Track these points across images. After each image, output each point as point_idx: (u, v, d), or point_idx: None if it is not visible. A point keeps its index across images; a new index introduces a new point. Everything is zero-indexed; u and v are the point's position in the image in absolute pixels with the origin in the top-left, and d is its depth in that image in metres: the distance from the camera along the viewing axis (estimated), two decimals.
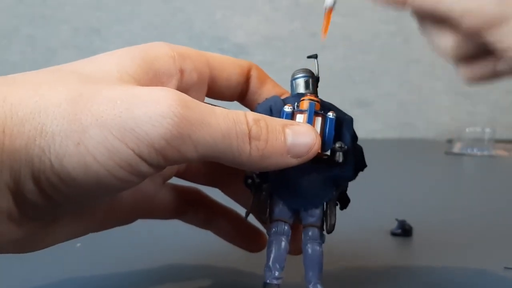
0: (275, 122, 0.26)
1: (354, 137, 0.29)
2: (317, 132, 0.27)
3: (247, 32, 1.18)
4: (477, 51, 0.32)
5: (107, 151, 0.22)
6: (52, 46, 1.17)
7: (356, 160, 0.29)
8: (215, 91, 0.31)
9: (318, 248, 0.28)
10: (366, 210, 0.49)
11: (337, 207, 0.30)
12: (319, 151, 0.27)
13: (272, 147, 0.25)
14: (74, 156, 0.22)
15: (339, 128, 0.28)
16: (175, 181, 0.34)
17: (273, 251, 0.28)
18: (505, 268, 0.36)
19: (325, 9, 0.30)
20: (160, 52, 0.28)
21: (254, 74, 0.32)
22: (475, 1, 0.27)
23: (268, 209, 0.29)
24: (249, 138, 0.25)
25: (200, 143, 0.23)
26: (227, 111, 0.25)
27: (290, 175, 0.28)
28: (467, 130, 0.99)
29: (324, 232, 0.29)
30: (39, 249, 0.28)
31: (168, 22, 1.21)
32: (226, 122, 0.24)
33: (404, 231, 0.42)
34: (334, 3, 0.30)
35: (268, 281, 0.28)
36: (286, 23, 1.22)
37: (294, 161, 0.26)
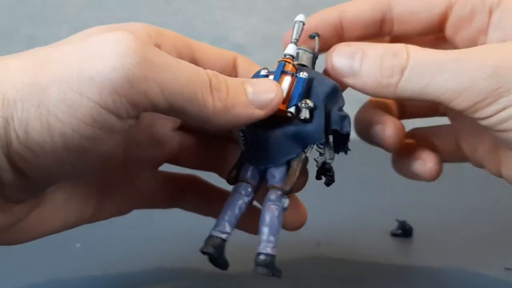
0: (234, 79, 0.26)
1: (334, 101, 0.28)
2: (278, 84, 0.27)
3: (247, 32, 1.18)
4: None
5: (68, 108, 0.21)
6: None
7: (330, 121, 0.28)
8: None
9: (274, 209, 0.27)
10: (366, 210, 0.49)
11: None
12: (283, 107, 0.27)
13: (234, 98, 0.25)
14: (36, 119, 0.21)
15: (314, 89, 0.28)
16: (172, 168, 0.34)
17: (226, 206, 0.28)
18: (506, 268, 0.35)
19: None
20: (136, 28, 0.28)
21: (241, 61, 0.32)
22: (465, 76, 0.26)
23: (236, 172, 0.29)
24: (211, 88, 0.24)
25: (166, 87, 0.23)
26: (186, 62, 0.25)
27: (257, 135, 0.28)
28: None
29: (286, 199, 0.27)
30: (30, 239, 0.27)
31: (168, 22, 1.21)
32: (189, 69, 0.24)
33: (404, 231, 0.42)
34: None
35: (212, 233, 0.27)
36: (286, 23, 1.22)
37: (260, 112, 0.26)
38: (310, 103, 0.27)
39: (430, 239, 0.42)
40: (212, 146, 0.31)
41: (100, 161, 0.26)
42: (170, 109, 0.24)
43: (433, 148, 0.34)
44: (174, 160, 0.34)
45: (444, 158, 0.35)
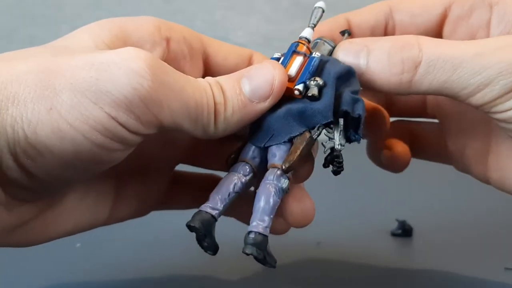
0: (228, 79, 0.25)
1: (348, 84, 0.27)
2: (277, 66, 0.26)
3: (247, 32, 1.18)
4: None
5: (81, 115, 0.21)
6: None
7: (341, 102, 0.26)
8: (212, 71, 0.30)
9: (270, 188, 0.25)
10: (366, 210, 0.49)
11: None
12: (291, 85, 0.26)
13: (231, 104, 0.25)
14: (47, 122, 0.21)
15: (326, 70, 0.27)
16: (190, 169, 0.34)
17: (220, 183, 0.26)
18: (506, 268, 0.36)
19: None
20: (144, 21, 0.28)
21: (256, 58, 0.31)
22: (488, 72, 0.25)
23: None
24: (215, 105, 0.24)
25: (176, 111, 0.23)
26: (196, 79, 0.24)
27: (264, 115, 0.26)
28: None
29: (285, 179, 0.26)
30: (42, 242, 0.27)
31: None
32: (200, 90, 0.24)
33: (404, 231, 0.42)
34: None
35: (202, 208, 0.26)
36: (286, 23, 1.22)
37: (264, 105, 0.25)
38: (320, 81, 0.26)
39: (430, 239, 0.42)
40: (226, 145, 0.30)
41: (111, 166, 0.25)
42: (175, 129, 0.24)
43: (412, 141, 0.34)
44: (189, 160, 0.33)
45: (427, 155, 0.35)
